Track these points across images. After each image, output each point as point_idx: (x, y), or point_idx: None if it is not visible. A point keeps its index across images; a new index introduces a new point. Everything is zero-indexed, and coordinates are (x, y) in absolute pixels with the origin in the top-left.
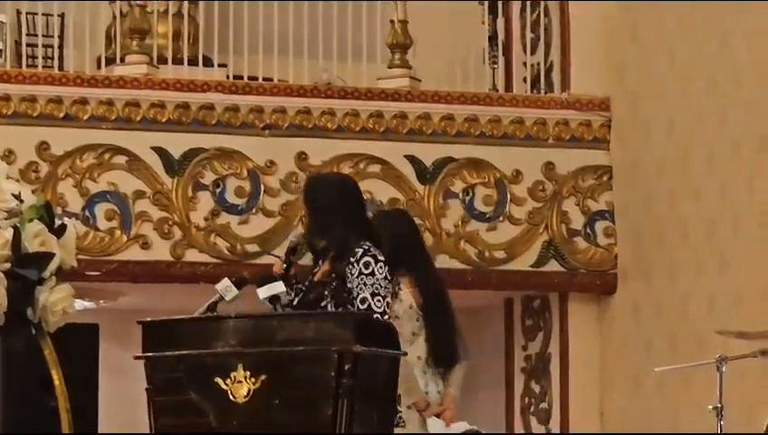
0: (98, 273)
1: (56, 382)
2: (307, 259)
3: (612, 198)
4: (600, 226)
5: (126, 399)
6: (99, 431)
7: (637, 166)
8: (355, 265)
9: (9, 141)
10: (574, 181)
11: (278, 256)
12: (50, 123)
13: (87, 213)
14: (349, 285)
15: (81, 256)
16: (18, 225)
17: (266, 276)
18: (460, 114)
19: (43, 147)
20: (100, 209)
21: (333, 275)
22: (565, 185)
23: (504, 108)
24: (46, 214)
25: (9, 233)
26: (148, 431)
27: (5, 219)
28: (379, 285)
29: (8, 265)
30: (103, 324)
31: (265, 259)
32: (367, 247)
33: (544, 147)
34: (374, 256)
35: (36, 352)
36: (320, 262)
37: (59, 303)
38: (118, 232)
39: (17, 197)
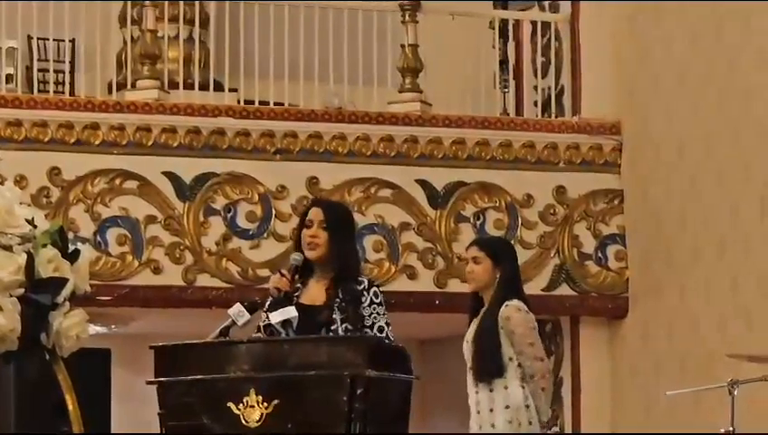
0: (109, 298)
1: (70, 407)
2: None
3: (623, 221)
4: (611, 249)
5: (138, 424)
6: None
7: (647, 188)
8: (365, 293)
9: (21, 167)
10: (585, 205)
11: (283, 274)
12: (61, 148)
13: (98, 238)
14: (359, 312)
15: (92, 281)
16: (32, 250)
17: (276, 300)
18: (471, 138)
19: (54, 172)
20: (112, 234)
21: (342, 298)
22: (576, 209)
23: (515, 132)
24: (60, 239)
25: (23, 258)
26: None
27: (19, 245)
28: (388, 315)
29: (22, 291)
30: (114, 349)
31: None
32: (370, 279)
33: (555, 171)
34: (378, 288)
35: (50, 377)
36: (296, 277)
37: (73, 328)
38: (129, 257)
39: (30, 222)
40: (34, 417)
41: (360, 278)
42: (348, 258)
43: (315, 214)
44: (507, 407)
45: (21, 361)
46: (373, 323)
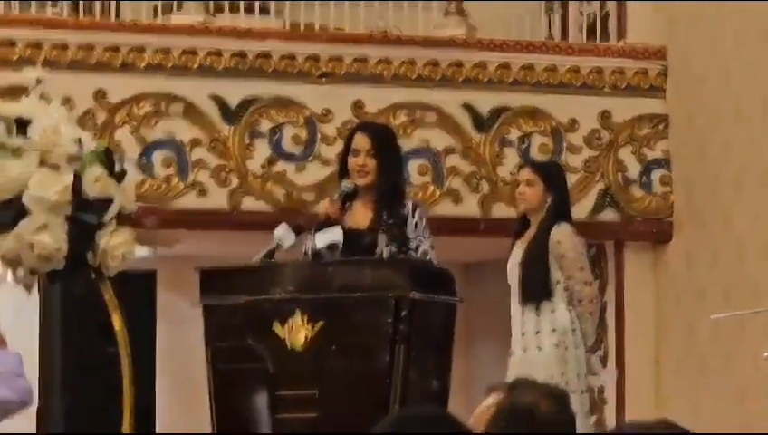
0: (154, 220)
1: (116, 326)
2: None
3: (668, 146)
4: (656, 174)
5: (183, 346)
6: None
7: (692, 114)
8: (410, 216)
9: (67, 90)
10: (630, 130)
11: (333, 200)
12: (107, 71)
13: (144, 161)
14: (405, 235)
15: (137, 204)
16: (79, 169)
17: (323, 223)
18: (516, 63)
19: (100, 95)
20: (157, 157)
21: (387, 221)
22: (621, 133)
23: (561, 56)
24: (106, 159)
25: (70, 178)
26: (206, 377)
27: (66, 164)
28: (433, 238)
29: (69, 210)
30: (160, 272)
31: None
32: (414, 202)
33: (600, 95)
34: (423, 211)
35: (95, 297)
36: (346, 204)
37: (119, 247)
38: (175, 179)
39: (78, 142)
40: (80, 336)
41: (404, 202)
42: (395, 183)
43: (362, 141)
44: (554, 330)
45: (67, 280)
46: (418, 246)
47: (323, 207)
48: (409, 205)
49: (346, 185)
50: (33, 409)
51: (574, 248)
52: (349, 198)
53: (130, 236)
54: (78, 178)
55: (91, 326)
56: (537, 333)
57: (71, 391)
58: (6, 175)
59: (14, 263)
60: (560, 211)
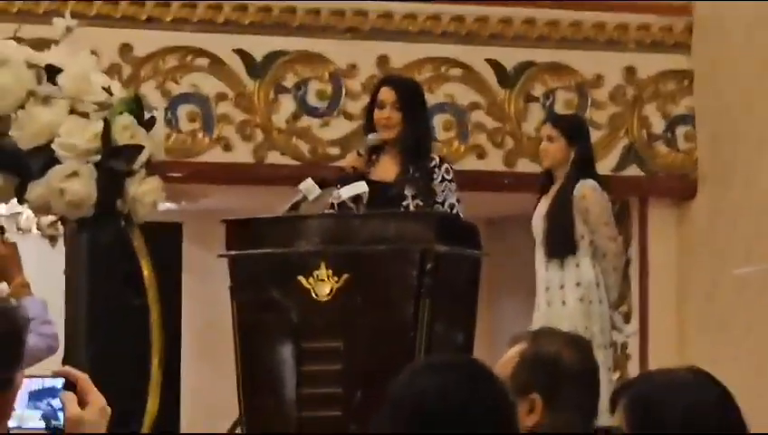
0: (180, 174)
1: (145, 272)
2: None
3: (693, 102)
4: (680, 130)
5: (208, 297)
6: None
7: (717, 70)
8: (436, 170)
9: (92, 43)
10: (655, 86)
11: (360, 153)
12: (132, 25)
13: (169, 115)
14: (431, 188)
15: (163, 158)
16: (108, 117)
17: (348, 176)
18: (541, 18)
19: (125, 48)
20: (183, 111)
21: (413, 174)
22: (646, 89)
23: (586, 12)
24: (136, 107)
25: (99, 125)
26: (230, 329)
27: (96, 112)
28: (459, 192)
29: (98, 157)
30: (186, 225)
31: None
32: (441, 156)
33: (625, 51)
34: (450, 165)
35: (124, 246)
36: (373, 158)
37: (148, 194)
38: (200, 134)
39: (107, 90)
40: (107, 285)
41: (431, 156)
42: (421, 136)
43: (387, 94)
44: (578, 284)
45: (96, 227)
46: (444, 200)
47: (348, 160)
48: (436, 159)
49: (371, 138)
50: (59, 355)
51: (599, 203)
52: (375, 151)
53: (160, 183)
54: (107, 126)
55: (119, 275)
56: (561, 287)
57: (97, 340)
58: (37, 123)
59: (43, 209)
60: (584, 165)
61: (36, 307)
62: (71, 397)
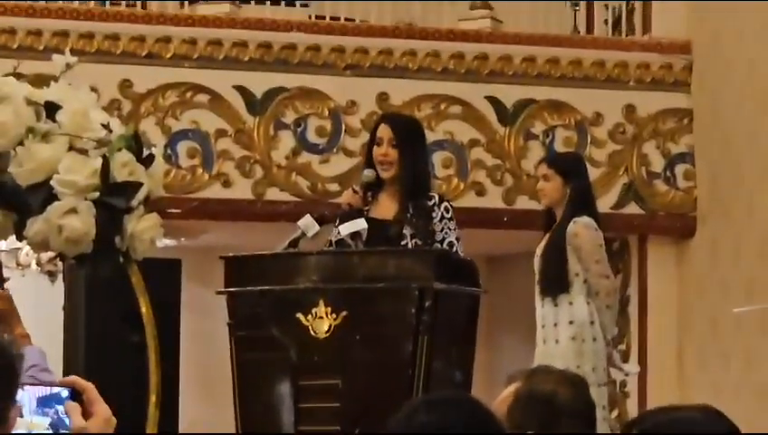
0: (179, 210)
1: (143, 309)
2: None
3: (692, 140)
4: (679, 169)
5: (207, 334)
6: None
7: (717, 108)
8: (436, 208)
9: (92, 79)
10: (655, 124)
11: (355, 190)
12: (133, 61)
13: (169, 151)
14: (430, 228)
15: (162, 195)
16: (107, 154)
17: (346, 213)
18: (541, 56)
19: (125, 85)
20: (182, 147)
21: (413, 213)
22: (646, 127)
23: (586, 50)
24: (135, 144)
25: (98, 162)
26: (229, 367)
27: (95, 148)
28: (459, 230)
29: (97, 194)
30: (185, 261)
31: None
32: (440, 194)
33: (625, 89)
34: (449, 203)
35: (122, 283)
36: (369, 194)
37: (147, 231)
38: (199, 170)
39: (106, 126)
40: (105, 321)
41: (430, 193)
42: (419, 174)
43: (385, 131)
44: (571, 322)
45: (95, 264)
46: (444, 238)
47: (346, 197)
48: (435, 197)
49: (366, 174)
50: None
51: (591, 241)
52: (371, 188)
53: (158, 220)
54: (106, 163)
55: (117, 311)
56: (555, 325)
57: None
58: (36, 159)
59: (41, 246)
60: (581, 203)
61: (35, 356)
62: (75, 407)
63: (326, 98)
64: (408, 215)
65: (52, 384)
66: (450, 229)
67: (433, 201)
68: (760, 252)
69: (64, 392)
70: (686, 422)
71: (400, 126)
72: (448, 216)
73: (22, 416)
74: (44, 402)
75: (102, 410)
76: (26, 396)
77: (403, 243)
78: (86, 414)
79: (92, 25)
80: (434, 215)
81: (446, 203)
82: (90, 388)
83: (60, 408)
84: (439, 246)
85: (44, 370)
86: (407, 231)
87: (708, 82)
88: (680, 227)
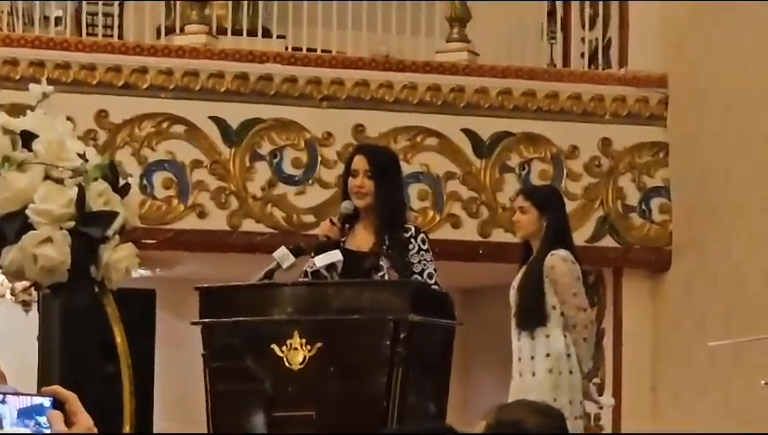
0: (154, 241)
1: (118, 339)
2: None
3: (668, 174)
4: (655, 202)
5: (181, 365)
6: (154, 398)
7: (693, 142)
8: (412, 240)
9: (69, 109)
10: (630, 157)
11: (333, 221)
12: (109, 92)
13: (144, 181)
14: (406, 260)
15: (138, 225)
16: (83, 184)
17: (322, 244)
18: (517, 89)
19: (102, 115)
20: (158, 178)
21: (389, 245)
22: (621, 161)
23: (562, 83)
24: (110, 173)
25: (74, 191)
26: (203, 398)
27: (70, 178)
28: (435, 262)
29: (72, 224)
30: (159, 292)
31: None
32: (416, 226)
33: (601, 123)
34: (426, 235)
35: (97, 313)
36: (347, 226)
37: (122, 261)
38: (175, 201)
39: (82, 156)
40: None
41: (407, 225)
42: (394, 205)
43: (360, 162)
44: (548, 355)
45: (70, 293)
46: (423, 270)
47: (323, 228)
48: (412, 229)
49: (345, 206)
50: None
51: (568, 274)
52: (349, 219)
53: (134, 250)
54: (82, 192)
55: (92, 341)
56: (532, 357)
57: None
58: (12, 188)
59: (16, 275)
60: (557, 236)
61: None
62: (57, 416)
63: (302, 129)
64: (385, 247)
65: (33, 394)
66: (428, 261)
67: (409, 233)
68: (735, 285)
69: (46, 402)
70: None
71: (376, 157)
72: (425, 247)
73: (2, 427)
74: (25, 414)
75: (84, 419)
76: (6, 409)
77: (379, 275)
78: (68, 424)
79: (69, 55)
80: (411, 247)
81: (422, 235)
82: (72, 398)
83: (41, 419)
84: (419, 277)
85: None
86: (383, 263)
87: (684, 116)
88: (655, 260)
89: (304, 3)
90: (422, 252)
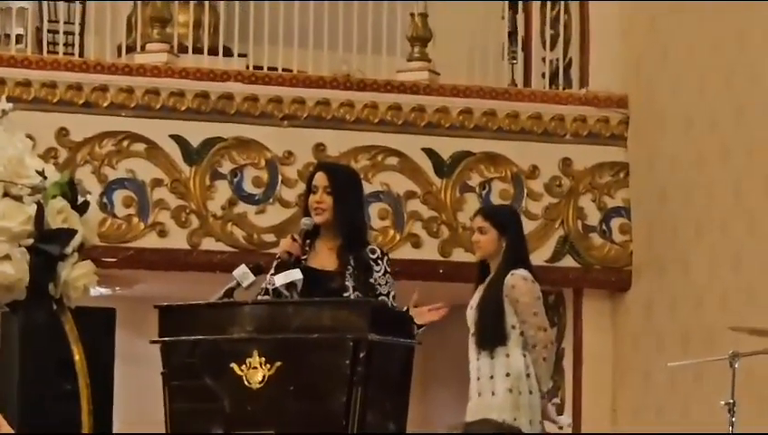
0: (114, 259)
1: (76, 358)
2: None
3: (629, 194)
4: (615, 222)
5: (141, 384)
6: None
7: (653, 162)
8: (379, 262)
9: (29, 127)
10: (591, 178)
11: (294, 238)
12: (69, 110)
13: (105, 200)
14: (370, 281)
15: (97, 243)
16: (42, 201)
17: (283, 262)
18: (478, 108)
19: (62, 133)
20: (118, 196)
21: (354, 266)
22: (582, 181)
23: (523, 103)
24: (69, 191)
25: (32, 209)
26: (162, 416)
27: (29, 195)
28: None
29: (31, 241)
30: (119, 311)
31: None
32: (381, 247)
33: (562, 143)
34: (389, 256)
35: (55, 330)
36: (307, 242)
37: (81, 278)
38: (135, 219)
39: (41, 173)
40: (38, 369)
41: (371, 246)
42: (354, 223)
43: (320, 179)
44: (508, 375)
45: (28, 311)
46: (389, 292)
47: (284, 245)
48: (378, 250)
49: (305, 222)
50: None
51: (529, 293)
52: (309, 236)
53: (92, 268)
54: (41, 210)
55: (50, 359)
56: (491, 377)
57: (27, 424)
58: None
59: None
60: (516, 256)
61: None
62: None
63: (263, 148)
64: (351, 267)
65: None
66: (392, 284)
67: (376, 254)
68: (695, 306)
69: None
70: None
71: (336, 174)
72: (389, 270)
73: None
74: None
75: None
76: None
77: (345, 295)
78: None
79: (29, 73)
80: (377, 269)
81: (387, 257)
82: None
83: None
84: (386, 299)
85: None
86: (349, 283)
87: (645, 137)
88: (616, 280)
89: (266, 21)
90: (388, 274)
